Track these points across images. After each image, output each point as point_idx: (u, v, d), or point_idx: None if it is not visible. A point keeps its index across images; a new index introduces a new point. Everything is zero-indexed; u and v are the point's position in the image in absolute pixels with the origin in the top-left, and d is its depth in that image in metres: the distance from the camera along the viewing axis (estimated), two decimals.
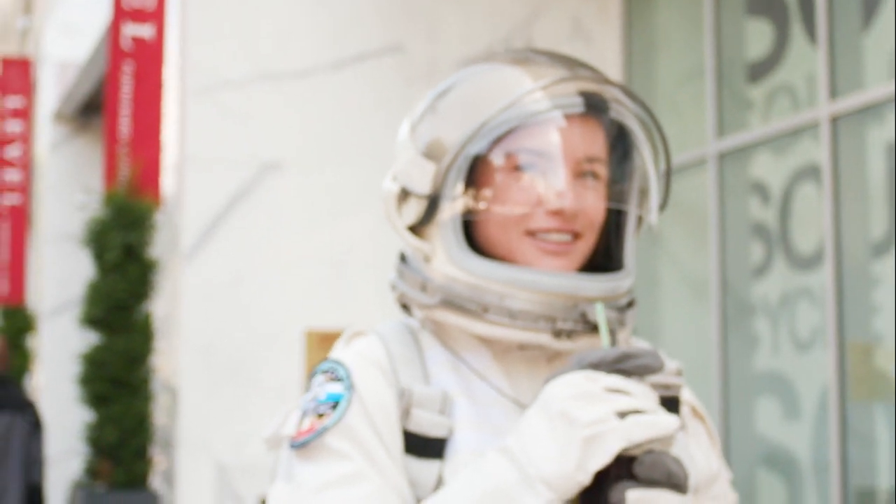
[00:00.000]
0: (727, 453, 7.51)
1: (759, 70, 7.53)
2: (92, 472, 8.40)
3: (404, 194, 1.75)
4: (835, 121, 6.75)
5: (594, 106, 1.71)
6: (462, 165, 1.70)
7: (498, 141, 1.70)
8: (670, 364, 1.81)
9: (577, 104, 1.70)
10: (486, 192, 1.71)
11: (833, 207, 6.72)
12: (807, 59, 7.06)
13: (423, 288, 1.74)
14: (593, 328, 1.68)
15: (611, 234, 1.79)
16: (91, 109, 14.54)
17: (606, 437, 1.49)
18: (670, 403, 1.78)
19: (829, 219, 6.73)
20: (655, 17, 8.63)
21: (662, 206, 1.81)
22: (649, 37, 8.67)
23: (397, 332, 1.77)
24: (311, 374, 1.75)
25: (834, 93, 6.79)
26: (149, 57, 9.12)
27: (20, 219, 16.76)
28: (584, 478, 1.50)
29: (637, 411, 1.50)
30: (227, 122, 8.22)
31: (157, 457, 8.88)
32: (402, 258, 1.81)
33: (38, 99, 16.64)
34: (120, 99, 9.08)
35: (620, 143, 1.76)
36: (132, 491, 8.30)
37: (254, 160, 8.23)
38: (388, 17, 8.45)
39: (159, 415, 9.05)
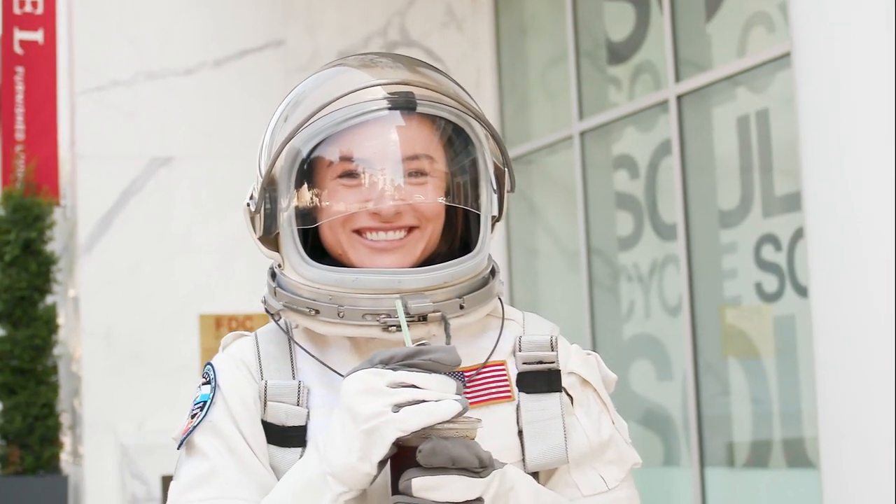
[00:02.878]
0: None
1: (618, 52, 7.96)
2: (2, 459, 8.69)
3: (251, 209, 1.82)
4: (680, 99, 7.21)
5: (400, 105, 1.75)
6: (291, 174, 1.75)
7: (315, 149, 1.75)
8: (543, 336, 1.84)
9: (383, 106, 1.74)
10: (314, 198, 1.77)
11: (682, 180, 7.17)
12: (658, 42, 7.48)
13: (275, 294, 1.81)
14: (422, 318, 1.73)
15: (460, 221, 1.85)
16: None
17: (382, 429, 1.54)
18: (550, 376, 1.81)
19: (679, 191, 7.18)
20: (524, 2, 9.00)
21: (510, 189, 1.85)
22: (518, 22, 9.00)
23: (273, 332, 1.85)
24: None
25: (679, 75, 7.24)
26: (40, 60, 9.30)
27: None
28: (370, 469, 1.56)
29: (418, 401, 1.54)
30: (117, 119, 8.45)
31: (64, 440, 9.16)
32: (272, 270, 1.86)
33: None
34: (14, 101, 9.32)
35: (450, 138, 1.79)
36: (42, 475, 8.61)
37: (144, 156, 8.50)
38: (268, 13, 8.65)
39: (65, 400, 9.33)
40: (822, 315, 3.99)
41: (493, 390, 1.79)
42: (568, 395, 1.82)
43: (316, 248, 1.81)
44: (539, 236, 8.83)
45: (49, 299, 9.13)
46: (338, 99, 1.74)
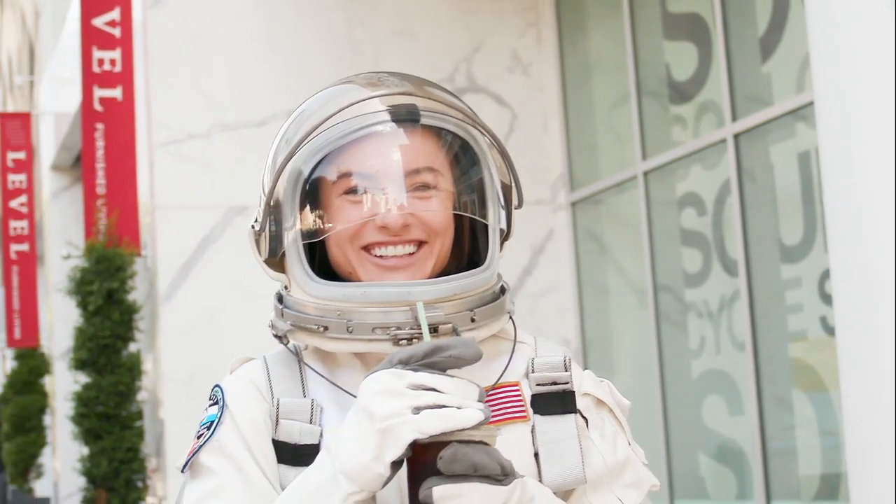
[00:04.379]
0: (670, 446, 8.03)
1: (679, 91, 8.06)
2: (89, 502, 8.96)
3: (256, 231, 1.79)
4: (738, 137, 7.30)
5: (402, 117, 1.72)
6: (295, 192, 1.73)
7: (318, 166, 1.72)
8: (556, 357, 1.81)
9: (385, 119, 1.72)
10: (319, 216, 1.73)
11: (741, 217, 7.25)
12: (716, 81, 7.59)
13: (282, 315, 1.77)
14: (434, 329, 1.69)
15: (468, 237, 1.82)
16: None
17: (398, 430, 1.49)
18: (564, 397, 1.78)
19: (739, 228, 7.26)
20: (588, 44, 9.12)
21: (518, 205, 1.84)
22: (583, 64, 9.13)
23: (282, 354, 1.81)
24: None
25: (735, 113, 7.33)
26: (119, 116, 9.58)
27: (29, 266, 17.26)
28: (383, 469, 1.51)
29: (438, 406, 1.50)
30: (193, 171, 8.68)
31: (150, 483, 9.40)
32: (278, 295, 1.83)
33: (39, 151, 17.14)
34: (95, 156, 9.62)
35: (456, 151, 1.76)
36: None
37: (220, 205, 8.72)
38: (337, 63, 8.78)
39: (151, 444, 9.58)
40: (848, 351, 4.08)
41: (508, 411, 1.76)
42: (583, 416, 1.79)
43: (323, 270, 1.77)
44: (609, 275, 8.94)
45: (132, 347, 9.38)
46: (339, 112, 1.72)
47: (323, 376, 1.77)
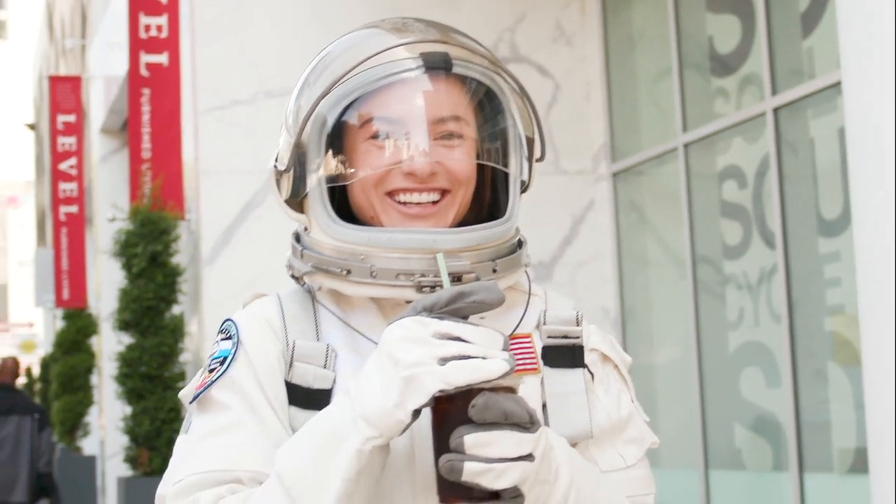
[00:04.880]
0: (706, 417, 8.07)
1: (721, 64, 8.07)
2: (132, 460, 9.11)
3: (279, 171, 1.79)
4: (777, 111, 7.30)
5: (435, 65, 1.72)
6: (321, 135, 1.72)
7: (349, 108, 1.72)
8: (568, 312, 1.82)
9: (418, 65, 1.71)
10: (344, 160, 1.73)
11: (779, 190, 7.26)
12: (757, 54, 7.58)
13: (301, 256, 1.78)
14: (456, 279, 1.69)
15: (489, 188, 1.82)
16: None
17: (423, 379, 1.48)
18: (574, 351, 1.79)
19: (777, 201, 7.28)
20: (631, 16, 9.12)
21: (540, 158, 1.83)
22: (627, 35, 9.14)
23: (296, 294, 1.81)
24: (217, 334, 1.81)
25: (775, 87, 7.33)
26: (165, 82, 9.69)
27: (78, 228, 17.46)
28: (404, 416, 1.49)
29: (464, 356, 1.49)
30: (238, 137, 8.75)
31: None
32: (296, 235, 1.83)
33: (89, 114, 17.26)
34: (141, 121, 9.73)
35: (483, 101, 1.76)
36: None
37: (263, 171, 8.75)
38: None
39: None
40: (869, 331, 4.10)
41: (521, 362, 1.76)
42: (589, 371, 1.80)
43: (342, 213, 1.76)
44: (649, 245, 8.97)
45: (176, 309, 9.50)
46: (373, 56, 1.71)
47: (338, 317, 1.77)
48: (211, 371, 1.72)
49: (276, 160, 1.79)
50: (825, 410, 6.99)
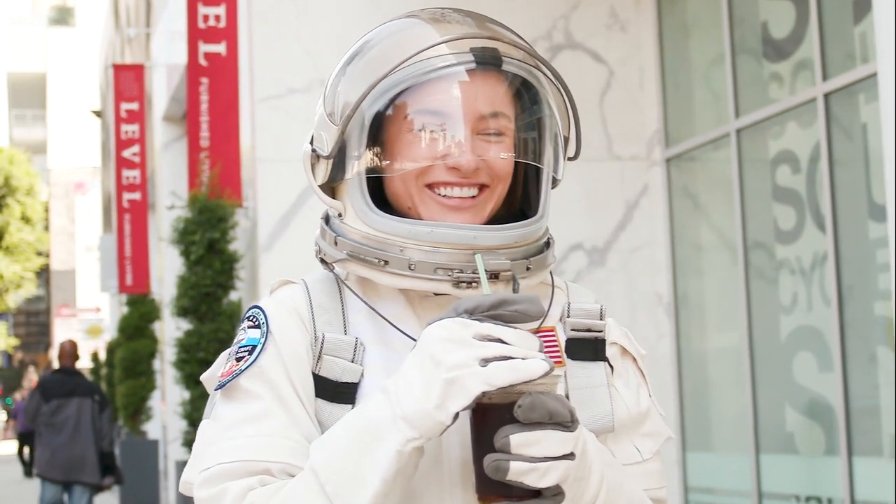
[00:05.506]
0: (757, 401, 8.09)
1: (774, 50, 8.07)
2: (190, 444, 9.17)
3: (317, 155, 1.78)
4: (828, 97, 7.31)
5: (486, 61, 1.72)
6: (364, 124, 1.71)
7: (396, 99, 1.71)
8: (591, 305, 1.83)
9: (469, 60, 1.71)
10: (388, 150, 1.73)
11: (829, 176, 7.27)
12: (809, 40, 7.58)
13: (335, 243, 1.76)
14: (495, 275, 1.70)
15: (521, 184, 1.83)
16: None
17: (466, 381, 1.49)
18: (596, 345, 1.81)
19: (828, 187, 7.28)
20: (685, 3, 9.10)
21: (574, 156, 1.84)
22: (681, 21, 9.14)
23: (323, 281, 1.80)
24: (240, 320, 1.88)
25: (826, 73, 7.33)
26: (223, 71, 9.79)
27: (141, 214, 17.67)
28: (445, 418, 1.50)
29: (505, 357, 1.49)
30: (294, 125, 8.83)
31: None
32: (326, 218, 1.83)
33: (151, 102, 17.45)
34: (199, 110, 9.84)
35: (526, 98, 1.76)
36: None
37: None
38: None
39: None
40: None
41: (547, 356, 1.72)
42: (609, 365, 1.82)
43: (375, 200, 1.76)
44: (702, 231, 8.99)
45: (233, 295, 9.60)
46: (428, 49, 1.70)
47: (368, 305, 1.77)
48: (239, 359, 1.72)
49: (313, 143, 1.79)
50: (875, 395, 7.00)
